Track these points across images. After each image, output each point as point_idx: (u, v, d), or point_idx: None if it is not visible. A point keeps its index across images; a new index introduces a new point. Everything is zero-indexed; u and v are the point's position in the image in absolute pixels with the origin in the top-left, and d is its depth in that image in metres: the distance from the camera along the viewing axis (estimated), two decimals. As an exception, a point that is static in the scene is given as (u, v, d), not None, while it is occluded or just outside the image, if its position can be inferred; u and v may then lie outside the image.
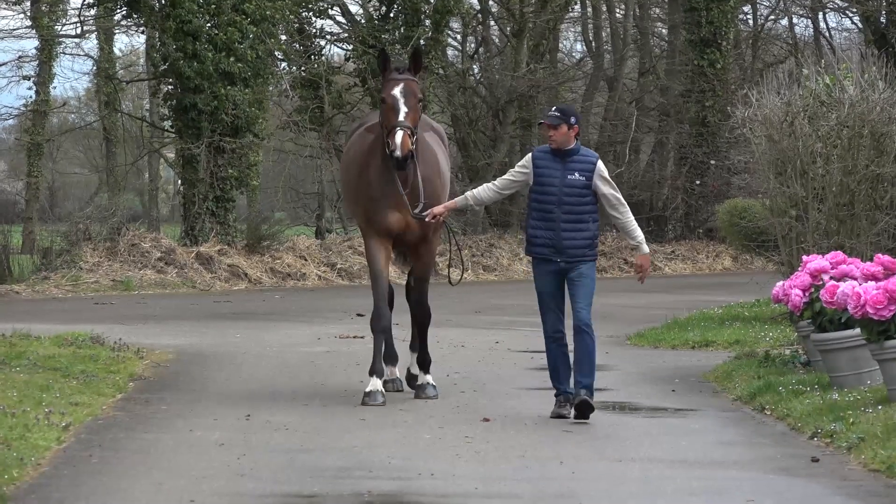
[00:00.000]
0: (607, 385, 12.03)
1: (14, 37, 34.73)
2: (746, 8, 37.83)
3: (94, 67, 36.38)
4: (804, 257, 11.73)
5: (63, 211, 32.47)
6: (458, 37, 34.81)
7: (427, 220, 10.52)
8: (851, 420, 9.20)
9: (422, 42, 28.57)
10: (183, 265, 24.75)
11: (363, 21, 29.93)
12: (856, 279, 10.57)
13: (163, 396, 11.13)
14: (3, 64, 34.59)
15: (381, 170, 10.77)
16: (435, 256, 11.64)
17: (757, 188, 16.22)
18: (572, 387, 10.00)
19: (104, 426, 9.58)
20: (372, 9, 29.92)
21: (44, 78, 33.58)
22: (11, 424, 8.88)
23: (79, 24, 32.90)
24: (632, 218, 10.16)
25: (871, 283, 9.72)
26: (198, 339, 15.49)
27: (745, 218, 17.97)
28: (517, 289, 23.77)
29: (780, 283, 11.75)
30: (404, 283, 12.11)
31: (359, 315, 17.71)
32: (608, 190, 10.01)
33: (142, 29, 29.97)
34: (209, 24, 25.89)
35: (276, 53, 28.53)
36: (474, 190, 10.46)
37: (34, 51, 33.86)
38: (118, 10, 28.64)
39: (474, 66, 34.66)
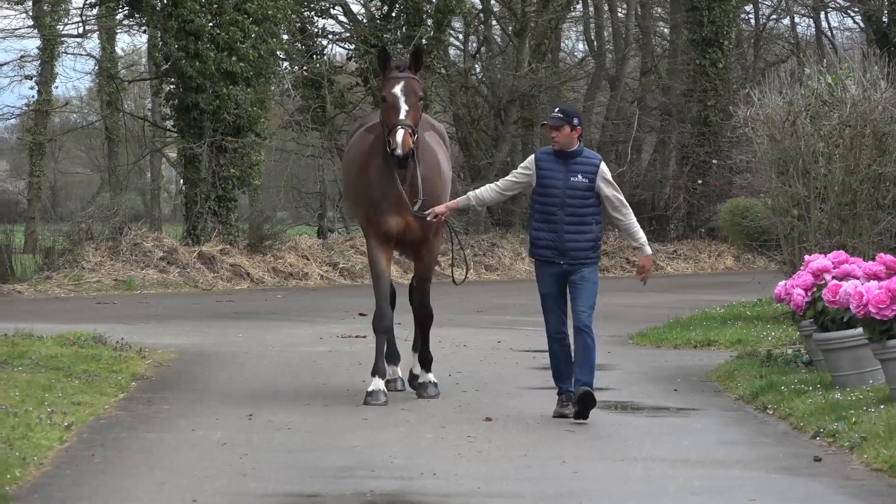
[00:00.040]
0: (609, 384, 12.04)
1: (16, 36, 34.82)
2: (748, 7, 37.85)
3: (97, 67, 36.41)
4: (806, 257, 11.73)
5: (65, 210, 32.49)
6: (460, 36, 34.85)
7: (429, 219, 10.51)
8: (854, 419, 9.20)
9: (424, 41, 28.59)
10: (185, 265, 24.77)
11: (365, 20, 29.95)
12: (858, 278, 10.57)
13: (165, 396, 11.14)
14: (6, 63, 34.64)
15: (381, 170, 10.75)
16: (436, 257, 11.60)
17: (759, 187, 16.21)
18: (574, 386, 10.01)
19: (106, 426, 9.59)
20: (374, 8, 29.94)
21: (46, 77, 33.62)
22: (14, 424, 8.89)
23: (81, 24, 32.91)
24: (634, 220, 10.14)
25: (874, 283, 9.72)
26: (200, 339, 15.50)
27: (748, 217, 17.97)
28: (519, 288, 23.79)
29: (783, 282, 11.76)
30: (407, 283, 12.11)
31: (361, 315, 17.72)
32: (611, 192, 9.99)
33: (144, 28, 30.00)
34: (211, 24, 25.91)
35: (278, 53, 28.55)
36: (477, 190, 10.44)
37: (36, 50, 33.92)
38: (120, 10, 28.67)
39: (476, 66, 34.68)
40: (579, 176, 9.92)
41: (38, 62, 33.71)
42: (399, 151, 10.41)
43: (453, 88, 32.84)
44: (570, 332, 10.08)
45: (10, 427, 8.77)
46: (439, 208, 10.50)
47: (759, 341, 14.55)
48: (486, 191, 10.31)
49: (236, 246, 26.08)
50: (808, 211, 13.86)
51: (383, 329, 10.95)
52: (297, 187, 34.94)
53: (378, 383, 10.75)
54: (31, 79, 33.63)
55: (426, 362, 11.31)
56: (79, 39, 34.55)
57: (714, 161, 32.29)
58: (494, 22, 35.06)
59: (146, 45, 34.83)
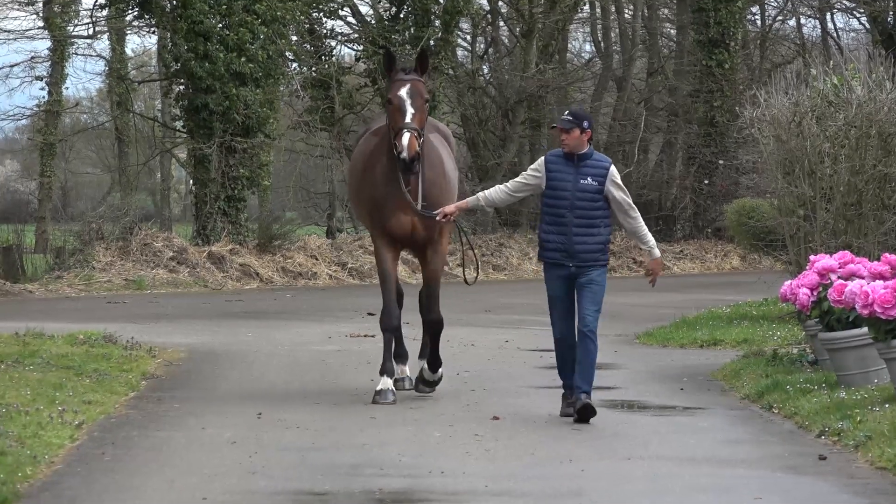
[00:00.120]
0: (616, 383, 12.08)
1: (27, 37, 34.87)
2: (754, 8, 37.84)
3: (107, 68, 36.48)
4: (812, 256, 11.76)
5: (76, 210, 32.57)
6: (468, 37, 34.90)
7: (438, 218, 10.48)
8: (859, 418, 9.22)
9: (431, 42, 28.64)
10: (195, 264, 24.85)
11: (373, 22, 30.00)
12: (863, 278, 10.60)
13: (175, 395, 11.18)
14: (17, 64, 34.72)
15: (386, 171, 10.74)
16: (444, 259, 11.45)
17: (765, 188, 16.29)
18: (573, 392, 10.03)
19: (117, 424, 9.63)
20: (382, 9, 29.99)
21: (56, 78, 33.70)
22: (25, 422, 8.94)
23: (91, 25, 32.99)
24: (643, 223, 10.14)
25: (879, 283, 9.73)
26: (210, 338, 15.55)
27: (754, 217, 17.99)
28: (527, 288, 23.81)
29: (788, 282, 11.77)
30: (414, 282, 12.13)
31: (369, 314, 17.77)
32: (620, 195, 9.99)
33: (153, 30, 30.08)
34: (220, 25, 25.98)
35: (287, 54, 28.61)
36: (486, 191, 10.40)
37: (47, 51, 33.97)
38: (130, 11, 28.74)
39: (484, 67, 34.73)
40: (589, 179, 9.92)
41: (49, 63, 33.79)
42: (405, 155, 10.40)
43: (461, 89, 32.90)
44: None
45: (21, 425, 8.81)
46: (449, 208, 10.47)
47: (765, 341, 14.56)
48: (496, 192, 10.30)
49: (246, 246, 26.15)
50: (813, 211, 13.90)
51: (391, 328, 10.96)
52: (306, 187, 34.99)
53: (386, 382, 10.78)
54: (42, 80, 33.71)
55: (434, 365, 11.22)
56: (89, 40, 34.64)
57: (720, 161, 32.30)
58: (502, 23, 35.10)
59: (156, 46, 34.89)
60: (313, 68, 29.76)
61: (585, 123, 10.00)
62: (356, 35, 30.80)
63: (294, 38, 29.15)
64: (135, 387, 11.46)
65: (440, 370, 11.25)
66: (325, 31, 30.35)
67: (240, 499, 7.38)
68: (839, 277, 10.93)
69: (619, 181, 10.07)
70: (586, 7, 36.32)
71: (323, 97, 29.59)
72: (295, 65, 29.88)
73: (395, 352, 11.23)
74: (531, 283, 24.82)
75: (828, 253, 12.03)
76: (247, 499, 7.38)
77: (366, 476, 7.96)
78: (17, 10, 33.37)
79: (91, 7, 31.00)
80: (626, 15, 36.64)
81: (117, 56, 36.18)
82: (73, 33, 33.72)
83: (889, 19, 35.28)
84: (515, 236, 30.72)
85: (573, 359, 10.05)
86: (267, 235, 26.38)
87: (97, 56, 36.60)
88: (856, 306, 9.75)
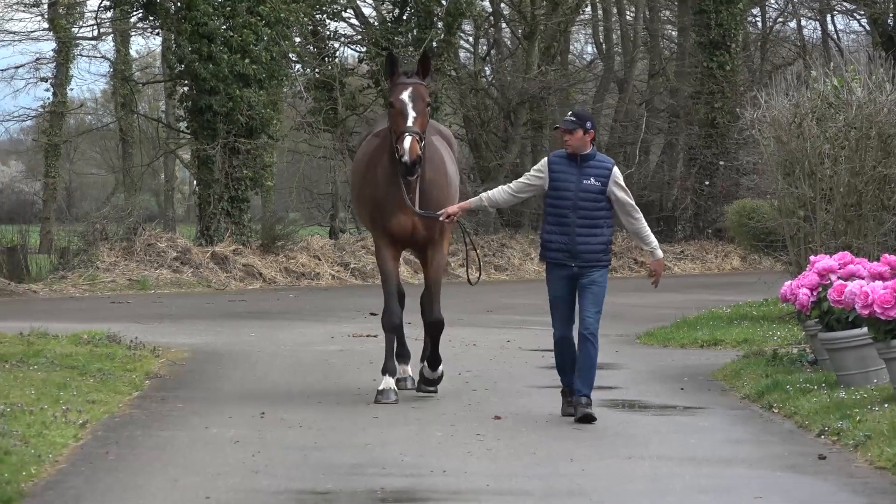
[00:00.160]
0: (617, 383, 12.11)
1: (32, 39, 34.95)
2: (755, 10, 37.87)
3: (111, 69, 36.55)
4: (812, 257, 11.80)
5: (80, 211, 32.61)
6: (471, 39, 34.94)
7: (441, 219, 10.50)
8: (858, 418, 9.25)
9: (434, 44, 28.68)
10: (198, 265, 24.91)
11: (376, 23, 30.05)
12: (863, 279, 10.64)
13: (178, 394, 11.21)
14: (22, 66, 34.79)
15: (387, 172, 10.77)
16: (445, 259, 11.49)
17: (765, 189, 16.33)
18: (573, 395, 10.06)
19: (121, 423, 9.66)
20: (385, 11, 30.04)
21: (61, 80, 33.78)
22: (29, 422, 8.97)
23: (95, 27, 33.06)
24: (645, 224, 10.15)
25: (879, 283, 9.75)
26: (213, 338, 15.58)
27: (754, 218, 18.03)
28: (528, 288, 23.84)
29: (788, 282, 11.80)
30: (416, 282, 12.16)
31: (372, 314, 17.80)
32: (623, 196, 10.01)
33: (158, 31, 30.12)
34: (224, 27, 26.04)
35: (291, 55, 28.67)
36: (489, 192, 10.41)
37: (51, 53, 34.05)
38: (134, 13, 28.81)
39: (486, 68, 34.76)
40: (592, 179, 9.94)
41: (54, 64, 33.87)
42: (406, 158, 10.42)
43: (463, 91, 32.94)
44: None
45: (25, 425, 8.85)
46: (452, 209, 10.49)
47: (765, 341, 14.58)
48: (499, 192, 10.29)
49: (249, 246, 26.20)
50: (813, 212, 13.95)
51: (392, 327, 10.99)
52: (309, 188, 35.04)
53: (388, 382, 10.81)
54: (47, 81, 33.82)
55: (434, 363, 11.25)
56: (93, 42, 34.72)
57: (721, 163, 32.33)
58: (504, 25, 35.15)
59: (160, 47, 34.99)
60: (316, 70, 29.82)
61: (588, 124, 10.03)
62: (359, 37, 30.86)
63: (297, 39, 29.20)
64: (138, 386, 11.49)
65: (440, 368, 11.25)
66: (328, 33, 30.41)
67: (243, 497, 7.41)
68: (839, 278, 10.97)
69: (622, 182, 10.08)
70: (588, 9, 36.37)
71: (326, 98, 29.65)
72: (298, 66, 29.94)
73: (397, 352, 11.27)
74: (533, 283, 24.85)
75: (828, 253, 12.07)
76: (250, 497, 7.41)
77: (368, 475, 7.99)
78: (23, 11, 33.50)
79: (96, 9, 31.04)
80: (627, 17, 36.68)
81: (122, 57, 36.25)
82: (78, 35, 33.81)
83: (889, 21, 35.30)
84: (517, 237, 30.76)
85: (573, 359, 10.08)
86: (270, 236, 26.43)
87: (102, 57, 36.73)
88: (855, 306, 9.78)
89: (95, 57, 36.43)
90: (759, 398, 11.03)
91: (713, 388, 12.03)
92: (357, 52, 31.62)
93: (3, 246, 23.84)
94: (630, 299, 21.24)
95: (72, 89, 35.89)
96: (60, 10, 32.71)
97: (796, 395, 10.64)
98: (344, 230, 31.10)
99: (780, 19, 39.57)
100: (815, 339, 11.78)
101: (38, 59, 34.44)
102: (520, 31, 34.12)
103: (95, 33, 33.57)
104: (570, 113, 10.26)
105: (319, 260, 26.86)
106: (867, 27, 37.54)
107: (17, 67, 34.73)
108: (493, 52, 34.94)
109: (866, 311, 9.59)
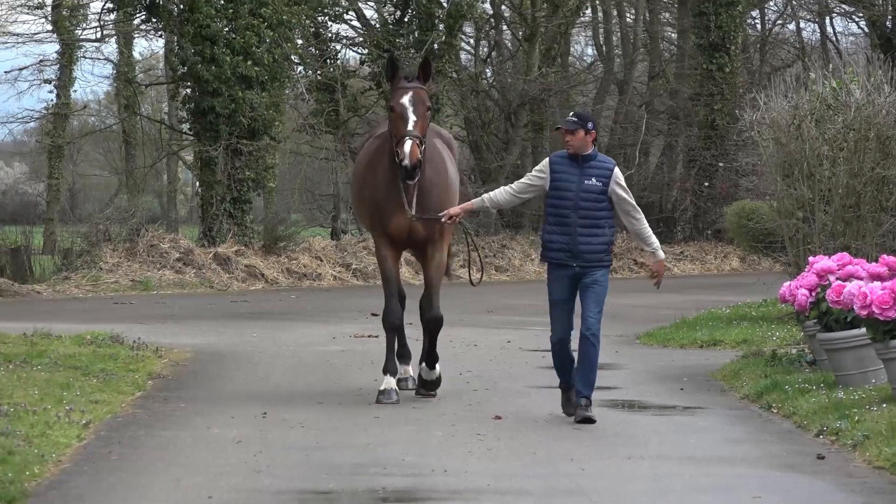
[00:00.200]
0: (617, 383, 12.15)
1: (35, 41, 34.97)
2: (755, 12, 37.91)
3: (114, 71, 36.60)
4: (810, 258, 11.82)
5: (83, 212, 32.69)
6: (472, 41, 34.98)
7: (443, 220, 10.51)
8: (856, 418, 9.27)
9: (435, 46, 28.74)
10: (201, 265, 24.96)
11: (378, 25, 30.10)
12: (861, 279, 10.67)
13: (181, 395, 11.24)
14: (25, 68, 34.83)
15: (387, 173, 10.81)
16: (445, 263, 11.46)
17: (764, 190, 16.37)
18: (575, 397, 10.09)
19: (124, 424, 9.68)
20: (387, 13, 30.10)
21: (64, 81, 33.82)
22: (33, 422, 9.01)
23: (99, 29, 33.11)
24: (646, 225, 10.16)
25: (877, 284, 9.76)
26: (215, 339, 15.62)
27: (753, 219, 18.07)
28: (529, 289, 23.87)
29: (787, 283, 11.82)
30: (417, 283, 12.19)
31: (373, 315, 17.83)
32: (624, 196, 10.02)
33: (161, 33, 30.18)
34: (227, 29, 26.10)
35: (293, 57, 28.72)
36: (491, 193, 10.41)
37: (55, 55, 34.09)
38: (137, 15, 28.87)
39: (487, 70, 34.81)
40: (593, 179, 9.95)
41: (57, 66, 33.92)
42: (407, 162, 10.44)
43: (464, 92, 32.99)
44: (574, 335, 10.12)
45: (29, 425, 8.88)
46: (453, 210, 10.51)
47: (764, 341, 14.60)
48: (501, 193, 10.30)
49: (251, 247, 26.26)
50: (812, 213, 13.99)
51: (393, 327, 11.01)
52: (311, 189, 35.08)
53: (390, 382, 10.85)
54: (50, 83, 33.85)
55: (431, 361, 11.26)
56: (97, 44, 34.75)
57: (720, 164, 32.35)
58: (505, 27, 35.20)
59: (163, 49, 34.99)
60: (318, 72, 29.87)
61: (590, 125, 10.05)
62: (361, 39, 30.91)
63: (299, 41, 29.25)
64: (141, 387, 11.52)
65: (438, 369, 11.25)
66: (330, 35, 30.46)
67: (245, 497, 7.43)
68: (837, 279, 11.00)
69: (623, 182, 10.08)
70: (588, 11, 36.42)
71: (328, 100, 29.70)
72: (300, 68, 29.99)
73: (398, 352, 11.30)
74: (533, 284, 24.88)
75: (826, 254, 12.10)
76: (252, 497, 7.44)
77: (369, 475, 8.02)
78: (26, 13, 33.55)
79: (99, 11, 31.12)
80: (627, 19, 36.74)
81: (125, 59, 36.31)
82: (81, 37, 33.85)
83: (887, 23, 35.33)
84: (518, 238, 30.80)
85: (571, 360, 10.10)
86: (272, 237, 26.48)
87: (105, 59, 36.80)
88: (854, 307, 9.81)
89: (99, 59, 36.62)
90: (758, 398, 11.05)
91: (712, 388, 12.05)
92: (359, 53, 31.70)
93: (6, 247, 23.92)
94: (630, 300, 21.28)
95: (75, 91, 36.04)
96: (64, 13, 32.75)
97: (795, 395, 10.66)
98: (345, 231, 31.14)
99: (780, 21, 39.65)
100: (813, 339, 11.81)
101: (41, 61, 34.49)
102: (520, 33, 34.16)
103: (99, 35, 33.63)
104: (571, 113, 10.28)
105: (321, 261, 26.92)
106: (866, 29, 37.57)
107: (20, 69, 34.81)
108: (493, 54, 34.98)
109: (865, 312, 9.63)
